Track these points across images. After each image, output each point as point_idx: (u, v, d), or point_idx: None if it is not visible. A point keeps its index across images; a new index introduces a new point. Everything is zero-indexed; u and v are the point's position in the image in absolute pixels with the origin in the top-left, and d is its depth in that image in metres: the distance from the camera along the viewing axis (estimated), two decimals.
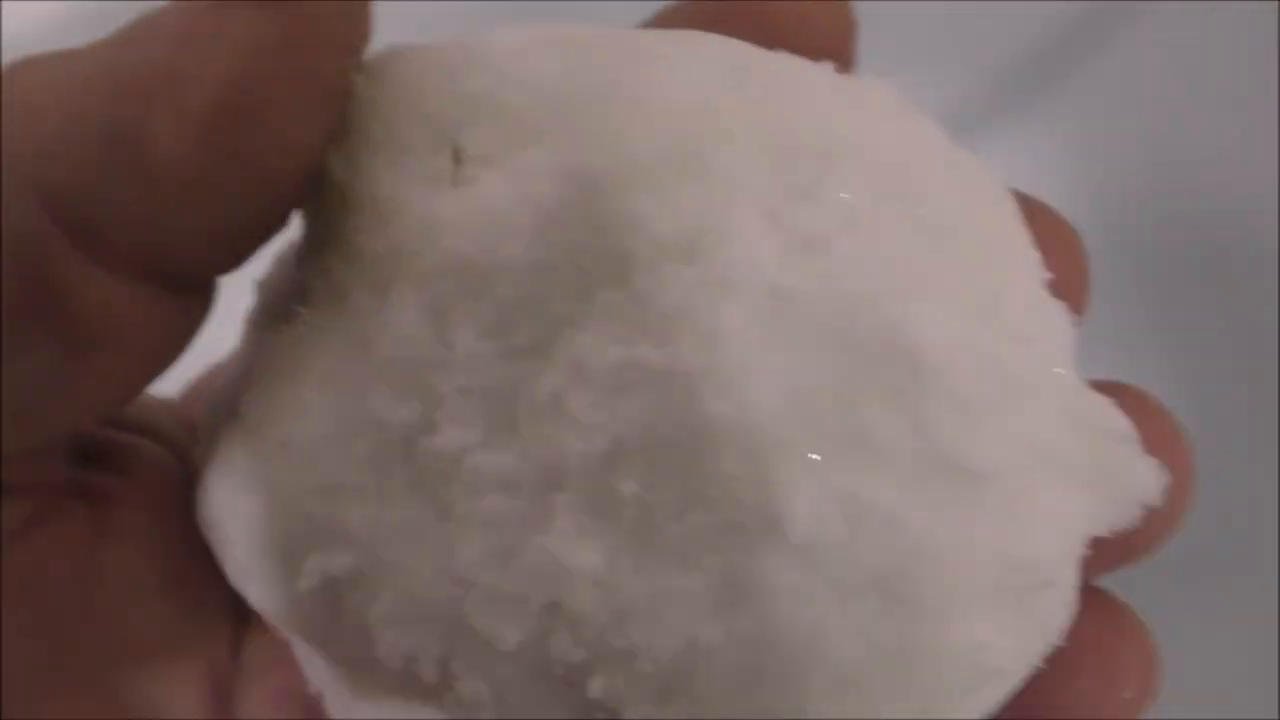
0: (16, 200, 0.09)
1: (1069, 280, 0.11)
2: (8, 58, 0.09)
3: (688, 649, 0.09)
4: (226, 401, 0.11)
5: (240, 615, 0.12)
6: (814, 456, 0.09)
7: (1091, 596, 0.11)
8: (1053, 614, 0.10)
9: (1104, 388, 0.11)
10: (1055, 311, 0.11)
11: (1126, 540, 0.11)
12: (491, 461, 0.10)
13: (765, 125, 0.10)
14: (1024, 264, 0.10)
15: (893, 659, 0.09)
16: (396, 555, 0.10)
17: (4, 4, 0.53)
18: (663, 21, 0.12)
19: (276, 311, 0.12)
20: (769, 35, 0.11)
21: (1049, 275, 0.11)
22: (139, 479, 0.11)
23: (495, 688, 0.10)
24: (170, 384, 0.13)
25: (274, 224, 0.10)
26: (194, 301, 0.10)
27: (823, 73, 0.11)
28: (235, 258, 0.10)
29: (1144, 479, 0.11)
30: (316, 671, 0.11)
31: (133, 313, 0.10)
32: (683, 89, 0.10)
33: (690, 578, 0.09)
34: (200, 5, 0.09)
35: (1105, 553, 0.11)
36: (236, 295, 0.12)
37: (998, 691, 0.10)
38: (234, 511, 0.11)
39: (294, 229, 0.11)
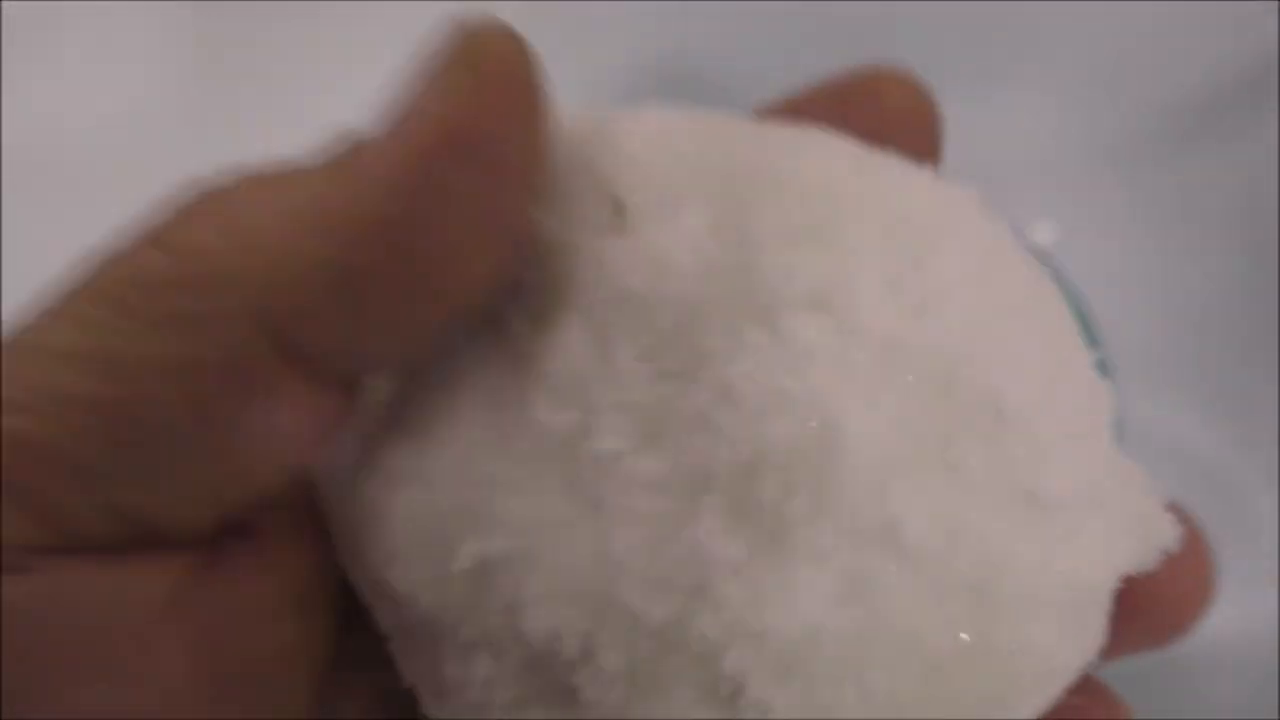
0: (235, 313, 0.10)
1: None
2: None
3: (811, 633, 0.11)
4: (362, 435, 0.13)
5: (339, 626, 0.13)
6: (922, 478, 0.11)
7: (1101, 695, 0.13)
8: (1096, 629, 0.12)
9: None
10: (1103, 387, 0.13)
11: (1151, 625, 0.13)
12: (645, 465, 0.11)
13: (883, 205, 0.12)
14: (1078, 345, 0.13)
15: (978, 650, 0.11)
16: (551, 541, 0.11)
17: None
18: (773, 114, 0.14)
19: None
20: (874, 131, 0.13)
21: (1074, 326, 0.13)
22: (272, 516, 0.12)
23: (632, 660, 0.11)
24: None
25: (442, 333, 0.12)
26: (356, 394, 0.12)
27: (921, 170, 0.13)
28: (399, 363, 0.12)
29: (1165, 528, 0.12)
30: (412, 667, 0.12)
31: (316, 412, 0.11)
32: (815, 170, 0.12)
33: (817, 572, 0.11)
34: (401, 151, 0.10)
35: (1130, 636, 0.13)
36: None
37: (1056, 688, 0.12)
38: (388, 502, 0.12)
39: None
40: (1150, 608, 0.13)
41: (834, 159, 0.12)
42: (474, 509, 0.12)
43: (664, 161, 0.12)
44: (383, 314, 0.11)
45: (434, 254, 0.10)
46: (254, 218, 0.10)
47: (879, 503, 0.11)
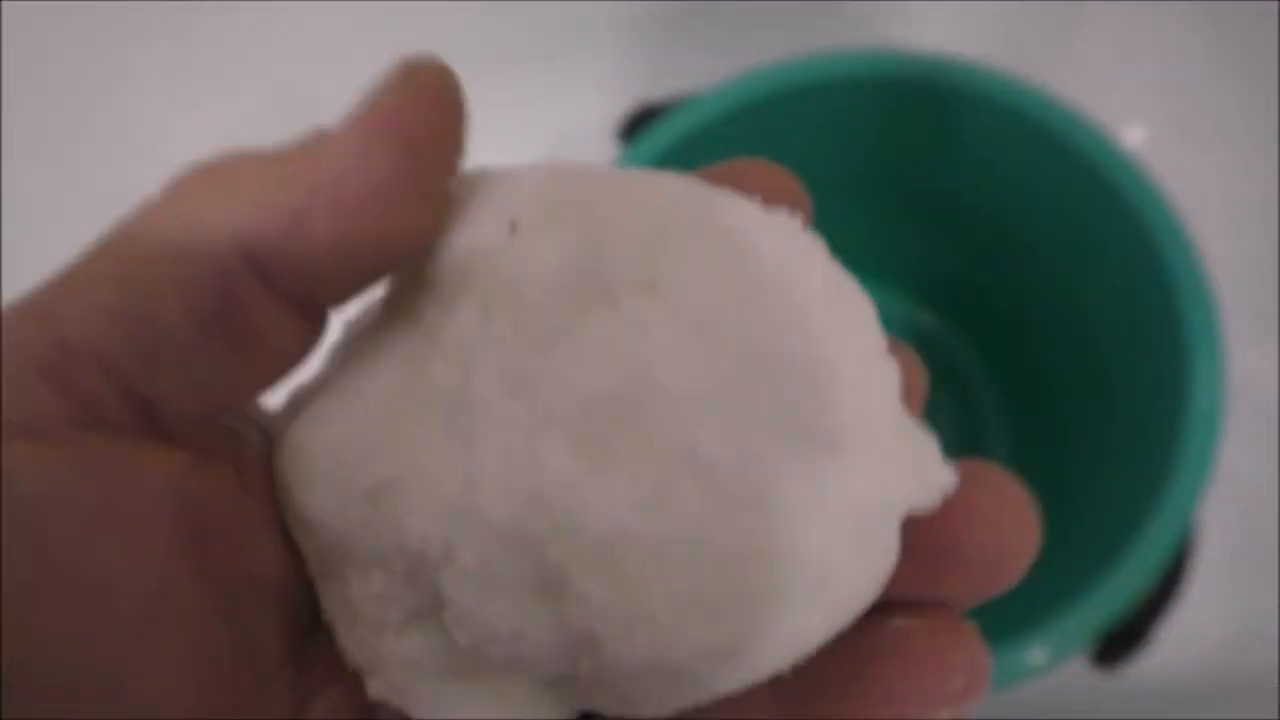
0: (222, 248, 0.13)
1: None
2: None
3: (620, 533, 0.13)
4: (308, 393, 0.16)
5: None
6: (719, 416, 0.13)
7: (943, 615, 0.15)
8: (878, 554, 0.14)
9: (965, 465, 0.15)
10: (891, 365, 0.15)
11: (987, 576, 0.15)
12: (508, 408, 0.14)
13: (705, 219, 0.15)
14: (874, 328, 0.15)
15: (760, 553, 0.13)
16: (429, 468, 0.14)
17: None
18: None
19: (359, 334, 0.17)
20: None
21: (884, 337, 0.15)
22: (256, 451, 0.16)
23: (484, 560, 0.14)
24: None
25: (381, 277, 0.15)
26: (318, 326, 0.15)
27: (750, 200, 0.15)
28: (352, 299, 0.15)
29: (942, 473, 0.15)
30: (330, 602, 0.15)
31: (286, 330, 0.14)
32: (653, 195, 0.15)
33: (630, 485, 0.13)
34: (351, 138, 0.14)
35: (970, 582, 0.15)
36: None
37: (835, 601, 0.14)
38: (310, 440, 0.15)
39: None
40: (967, 553, 0.14)
41: (671, 187, 0.16)
42: (375, 445, 0.15)
43: (549, 193, 0.15)
44: (331, 252, 0.14)
45: (369, 207, 0.14)
46: (239, 177, 0.14)
47: (681, 432, 0.13)
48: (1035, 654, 0.33)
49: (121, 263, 0.13)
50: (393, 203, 0.14)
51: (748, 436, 0.13)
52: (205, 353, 0.13)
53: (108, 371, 0.12)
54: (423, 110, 0.14)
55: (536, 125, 0.53)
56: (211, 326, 0.13)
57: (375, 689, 0.15)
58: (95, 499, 0.12)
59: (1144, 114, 0.50)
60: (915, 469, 0.14)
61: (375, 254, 0.14)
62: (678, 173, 0.16)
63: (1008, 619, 0.34)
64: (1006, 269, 0.47)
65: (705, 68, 0.44)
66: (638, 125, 0.47)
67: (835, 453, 0.14)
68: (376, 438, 0.14)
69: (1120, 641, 0.38)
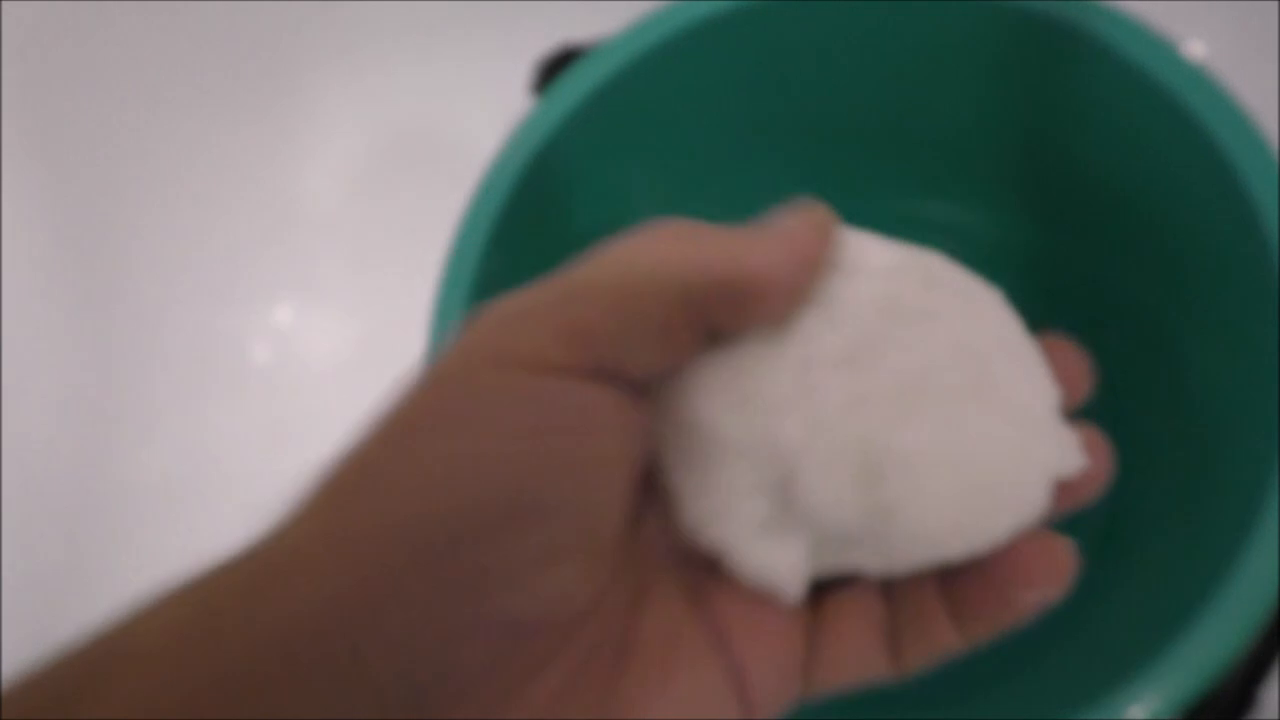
0: (670, 303, 0.19)
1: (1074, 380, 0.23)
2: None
3: (919, 451, 0.20)
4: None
5: None
6: (970, 399, 0.20)
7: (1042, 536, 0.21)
8: (1039, 503, 0.21)
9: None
10: (1049, 378, 0.22)
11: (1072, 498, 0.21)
12: (837, 374, 0.20)
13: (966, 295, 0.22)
14: (1031, 348, 0.22)
15: (996, 480, 0.20)
16: (784, 396, 0.20)
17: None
18: None
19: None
20: None
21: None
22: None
23: (828, 453, 0.20)
24: None
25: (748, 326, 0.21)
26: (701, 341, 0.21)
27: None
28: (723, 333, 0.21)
29: (1080, 459, 0.21)
30: (682, 476, 0.21)
31: (691, 343, 0.20)
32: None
33: (925, 427, 0.20)
34: (772, 241, 0.20)
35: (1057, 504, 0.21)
36: None
37: (1017, 521, 0.20)
38: (708, 372, 0.21)
39: None
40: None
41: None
42: (752, 383, 0.20)
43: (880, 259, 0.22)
44: (740, 301, 0.20)
45: (770, 289, 0.20)
46: (684, 247, 0.20)
47: (952, 405, 0.20)
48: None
49: (617, 278, 0.19)
50: (780, 292, 0.20)
51: (990, 412, 0.20)
52: (650, 345, 0.19)
53: (593, 346, 0.18)
54: (817, 239, 0.21)
55: (449, 78, 0.52)
56: (658, 331, 0.19)
57: (709, 538, 0.21)
58: (574, 409, 0.18)
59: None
60: (1064, 450, 0.21)
61: (763, 310, 0.20)
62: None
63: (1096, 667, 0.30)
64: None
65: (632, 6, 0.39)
66: (555, 72, 0.43)
67: (1035, 429, 0.21)
68: (751, 381, 0.20)
69: (1216, 708, 0.32)
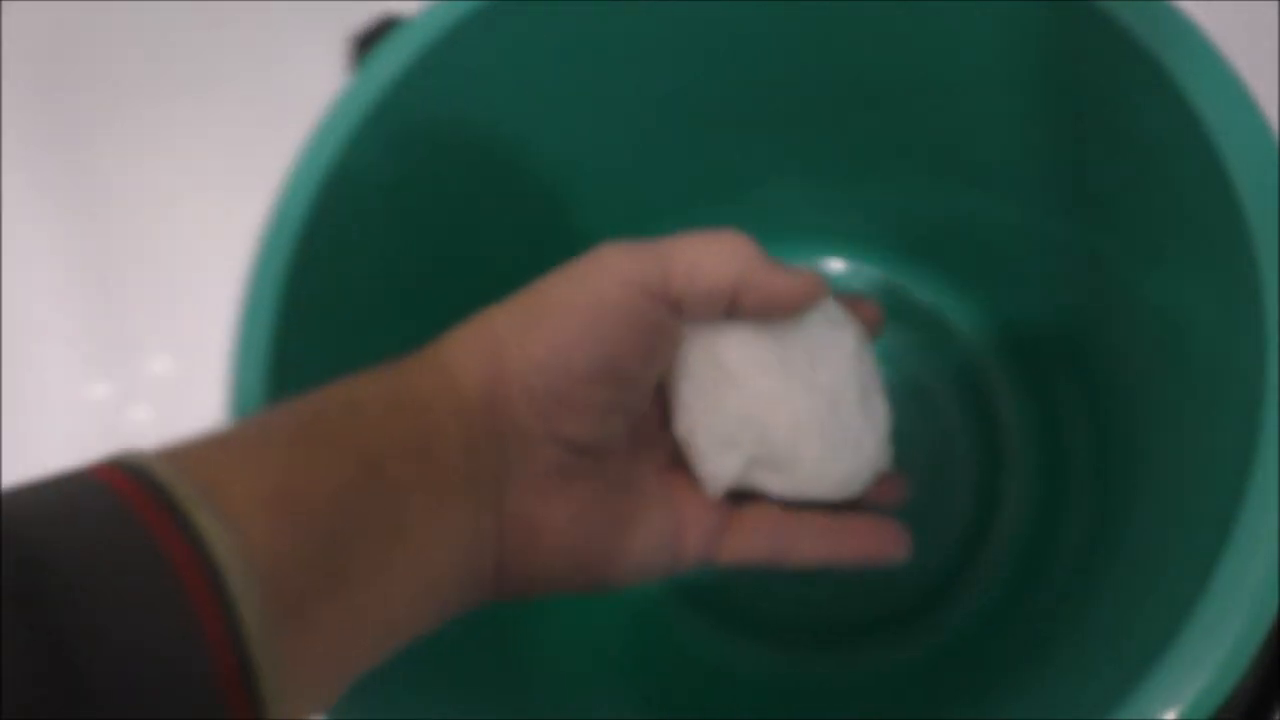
0: (673, 321, 0.29)
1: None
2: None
3: (801, 424, 0.30)
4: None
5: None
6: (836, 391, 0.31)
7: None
8: (881, 463, 0.31)
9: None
10: (885, 409, 0.32)
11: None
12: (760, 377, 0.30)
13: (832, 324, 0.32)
14: (870, 374, 0.31)
15: (854, 442, 0.30)
16: (772, 403, 0.30)
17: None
18: None
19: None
20: None
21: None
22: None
23: (787, 422, 0.30)
24: None
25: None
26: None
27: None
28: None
29: (887, 463, 0.31)
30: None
31: (680, 324, 0.29)
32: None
33: (805, 408, 0.30)
34: (781, 282, 0.29)
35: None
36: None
37: (870, 474, 0.31)
38: (732, 358, 0.30)
39: None
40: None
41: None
42: (738, 381, 0.29)
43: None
44: (750, 302, 0.28)
45: (773, 299, 0.28)
46: (702, 267, 0.28)
47: (822, 396, 0.30)
48: None
49: (700, 255, 0.27)
50: (782, 302, 0.28)
51: (849, 404, 0.30)
52: (703, 304, 0.28)
53: (675, 290, 0.27)
54: (813, 284, 0.29)
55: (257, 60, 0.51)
56: (713, 299, 0.28)
57: (706, 470, 0.30)
58: (660, 324, 0.28)
59: None
60: (883, 454, 0.31)
61: (779, 313, 0.29)
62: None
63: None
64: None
65: None
66: (371, 44, 0.40)
67: (875, 433, 0.31)
68: (740, 374, 0.29)
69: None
